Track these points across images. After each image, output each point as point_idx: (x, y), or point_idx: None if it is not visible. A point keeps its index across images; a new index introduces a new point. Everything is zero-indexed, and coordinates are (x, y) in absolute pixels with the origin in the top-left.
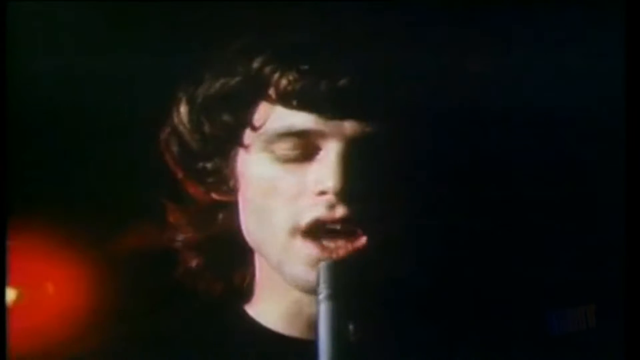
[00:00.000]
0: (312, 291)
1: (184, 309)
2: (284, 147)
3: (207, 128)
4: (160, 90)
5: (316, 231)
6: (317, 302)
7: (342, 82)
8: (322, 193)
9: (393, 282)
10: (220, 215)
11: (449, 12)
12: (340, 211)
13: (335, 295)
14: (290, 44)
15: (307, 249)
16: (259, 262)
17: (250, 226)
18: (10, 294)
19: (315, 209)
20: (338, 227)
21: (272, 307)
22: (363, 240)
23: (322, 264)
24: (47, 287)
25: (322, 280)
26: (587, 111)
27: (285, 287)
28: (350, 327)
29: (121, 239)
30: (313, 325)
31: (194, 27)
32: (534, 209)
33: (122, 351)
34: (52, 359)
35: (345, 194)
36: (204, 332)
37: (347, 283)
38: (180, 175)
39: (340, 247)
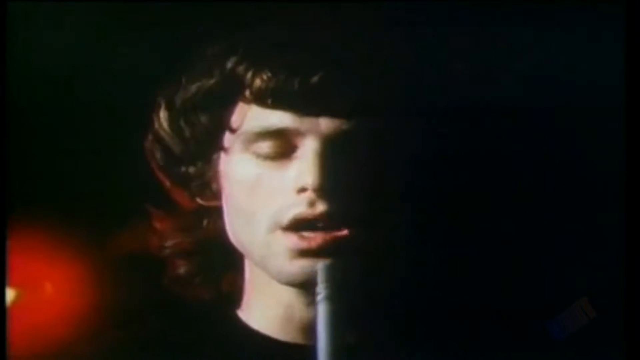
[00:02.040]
0: (297, 284)
1: (178, 314)
2: (263, 147)
3: (187, 132)
4: (145, 95)
5: (297, 226)
6: (316, 303)
7: (315, 79)
8: (302, 190)
9: (392, 283)
10: (206, 221)
11: (432, 8)
12: (320, 207)
13: (334, 296)
14: (263, 43)
15: (287, 241)
16: (247, 265)
17: (235, 227)
18: (10, 294)
19: (296, 207)
20: (319, 224)
21: (263, 311)
22: (344, 232)
23: (321, 265)
24: (47, 287)
25: (320, 281)
26: (586, 110)
27: (275, 290)
28: (350, 328)
29: (121, 239)
30: (306, 329)
31: (171, 31)
32: (518, 207)
33: (120, 352)
34: (52, 359)
35: (324, 190)
36: (197, 338)
37: (345, 284)
38: (166, 182)
39: (319, 236)
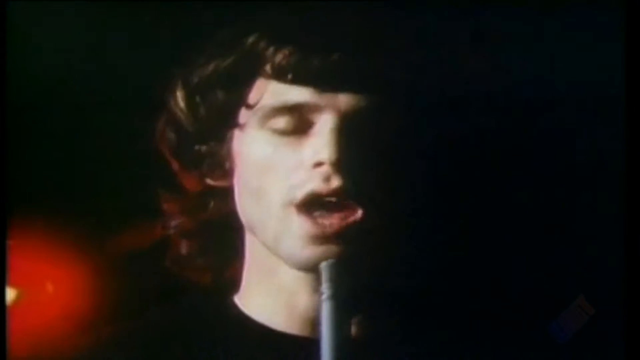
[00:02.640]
0: (308, 269)
1: (178, 304)
2: (279, 122)
3: (202, 110)
4: (157, 78)
5: (311, 204)
6: (320, 302)
7: (336, 55)
8: (318, 164)
9: (396, 281)
10: (213, 202)
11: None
12: (335, 182)
13: (339, 295)
14: (284, 19)
15: (302, 226)
16: (250, 253)
17: (247, 206)
18: (10, 294)
19: (311, 182)
20: (334, 199)
21: (263, 299)
22: (358, 213)
23: (324, 264)
24: (47, 287)
25: (324, 279)
26: (586, 109)
27: (278, 278)
28: (354, 326)
29: (121, 238)
30: (308, 320)
31: (190, 11)
32: (521, 201)
33: (115, 350)
34: (52, 359)
35: (340, 164)
36: (194, 324)
37: (350, 282)
38: (175, 165)
39: (334, 223)
